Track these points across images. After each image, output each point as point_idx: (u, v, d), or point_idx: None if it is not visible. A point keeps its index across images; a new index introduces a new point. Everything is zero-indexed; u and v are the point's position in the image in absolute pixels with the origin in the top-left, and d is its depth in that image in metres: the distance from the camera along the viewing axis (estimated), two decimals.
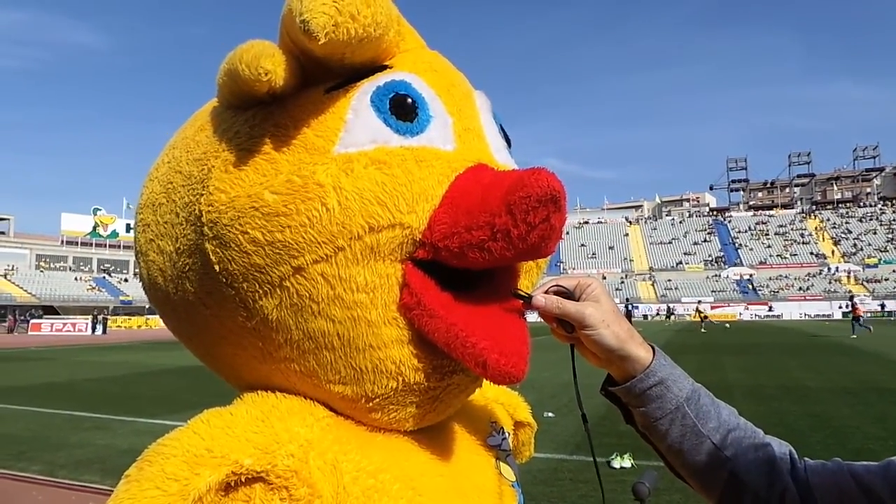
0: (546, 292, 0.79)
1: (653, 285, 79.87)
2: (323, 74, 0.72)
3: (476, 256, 0.69)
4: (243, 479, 0.64)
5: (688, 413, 0.78)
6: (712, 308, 66.42)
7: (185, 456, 0.63)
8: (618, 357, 0.77)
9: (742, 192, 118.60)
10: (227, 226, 0.69)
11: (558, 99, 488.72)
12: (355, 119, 0.72)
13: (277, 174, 0.69)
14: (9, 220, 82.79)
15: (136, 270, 0.89)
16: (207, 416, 0.70)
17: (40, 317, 50.04)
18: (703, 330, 35.75)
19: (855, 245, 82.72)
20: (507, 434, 1.04)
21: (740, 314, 63.59)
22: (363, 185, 0.69)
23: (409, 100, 0.75)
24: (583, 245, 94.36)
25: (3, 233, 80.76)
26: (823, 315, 63.60)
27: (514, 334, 0.73)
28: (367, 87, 0.73)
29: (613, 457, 6.33)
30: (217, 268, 0.71)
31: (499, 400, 1.10)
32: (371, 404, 0.75)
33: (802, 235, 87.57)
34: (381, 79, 0.74)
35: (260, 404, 0.73)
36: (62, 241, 79.50)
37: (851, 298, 32.70)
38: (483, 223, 0.68)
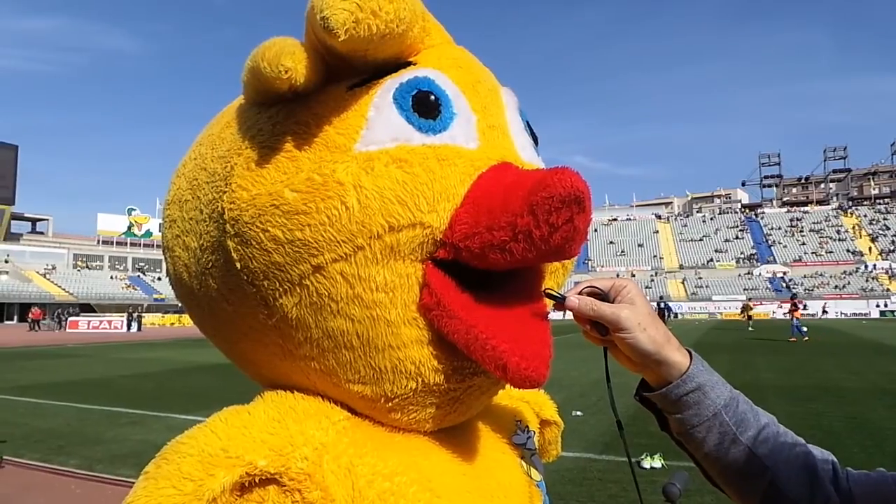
0: (580, 293, 0.77)
1: (683, 283, 78.67)
2: (347, 71, 0.72)
3: (497, 257, 0.68)
4: (257, 481, 0.65)
5: (726, 420, 0.76)
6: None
7: (200, 455, 0.63)
8: (653, 362, 0.75)
9: (775, 188, 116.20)
10: (248, 223, 0.69)
11: (586, 97, 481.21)
12: (377, 116, 0.71)
13: (298, 172, 0.69)
14: (47, 220, 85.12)
15: None
16: (226, 414, 0.70)
17: (77, 315, 51.28)
18: (750, 328, 33.02)
19: (893, 242, 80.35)
20: (532, 433, 1.02)
21: (773, 312, 62.25)
22: (384, 183, 0.68)
23: (433, 97, 0.73)
24: (611, 243, 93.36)
25: (42, 233, 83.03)
26: (860, 314, 62.01)
27: (536, 337, 0.72)
28: (390, 83, 0.73)
29: (644, 457, 6.25)
30: (238, 265, 0.71)
31: (524, 398, 1.09)
32: (391, 404, 0.75)
33: (838, 232, 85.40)
34: (404, 75, 0.73)
35: (278, 404, 0.73)
36: (98, 241, 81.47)
37: (793, 297, 29.34)
38: (504, 224, 0.67)
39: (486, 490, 0.81)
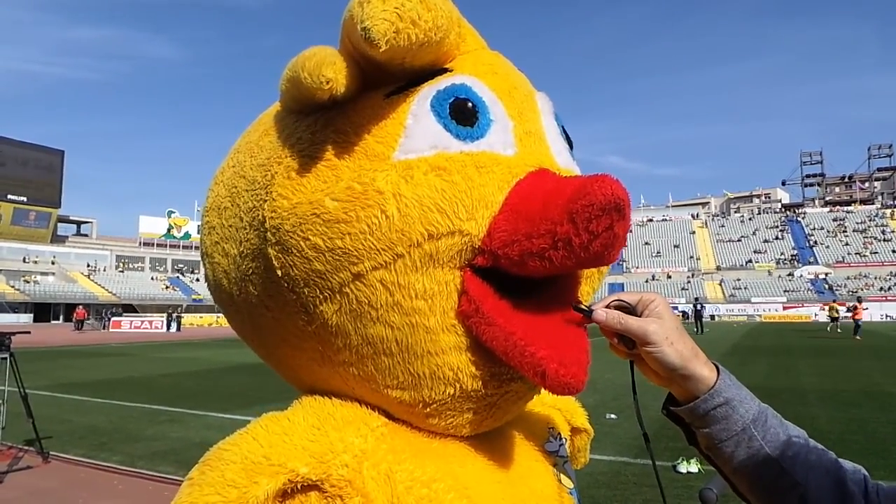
0: (607, 307, 0.77)
1: (720, 285, 77.04)
2: (383, 78, 0.72)
3: (536, 265, 0.68)
4: (299, 487, 0.66)
5: (754, 435, 0.75)
6: (785, 308, 63.46)
7: (243, 463, 0.65)
8: (680, 376, 0.75)
9: (817, 188, 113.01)
10: (290, 232, 0.71)
11: (622, 96, 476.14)
12: (415, 125, 0.72)
13: (338, 181, 0.70)
14: (91, 222, 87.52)
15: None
16: (266, 421, 0.71)
17: (120, 315, 52.58)
18: (839, 330, 31.34)
19: None
20: (564, 440, 1.02)
21: (815, 315, 60.50)
22: (423, 192, 0.68)
23: (470, 104, 0.74)
24: (647, 243, 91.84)
25: (86, 235, 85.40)
26: None
27: (574, 343, 0.71)
28: (428, 91, 0.73)
29: (680, 461, 6.15)
30: (279, 273, 0.73)
31: (556, 405, 1.09)
32: (428, 409, 0.75)
33: (884, 232, 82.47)
34: (441, 82, 0.74)
35: (317, 411, 0.74)
36: (140, 243, 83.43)
37: (860, 300, 30.90)
38: (544, 231, 0.67)
39: (520, 497, 0.81)
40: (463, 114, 0.73)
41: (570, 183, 0.70)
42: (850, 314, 29.69)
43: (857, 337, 26.55)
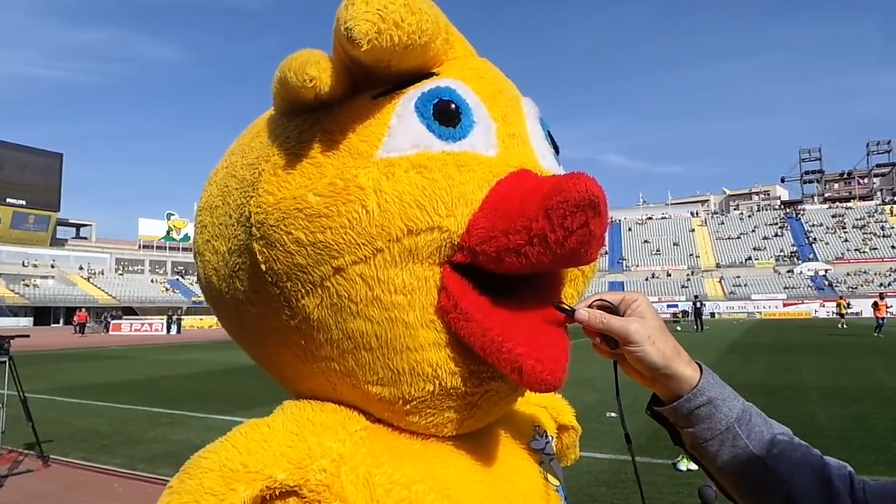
0: (590, 306, 0.77)
1: (720, 282, 77.11)
2: (372, 82, 0.74)
3: (513, 261, 0.69)
4: (277, 493, 0.67)
5: (739, 434, 0.75)
6: (785, 305, 63.51)
7: (221, 470, 0.66)
8: (662, 375, 0.75)
9: (816, 184, 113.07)
10: (273, 226, 0.72)
11: (622, 95, 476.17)
12: (399, 124, 0.73)
13: (322, 177, 0.71)
14: (91, 225, 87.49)
15: None
16: (246, 427, 0.72)
17: (120, 317, 52.57)
18: (845, 326, 31.87)
19: None
20: (550, 438, 1.03)
21: (815, 311, 60.57)
22: (403, 188, 0.69)
23: (453, 105, 0.75)
24: (646, 241, 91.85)
25: (85, 238, 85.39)
26: None
27: (553, 341, 0.72)
28: (413, 93, 0.75)
29: (680, 459, 6.15)
30: (263, 267, 0.74)
31: (542, 403, 1.09)
32: (408, 407, 0.76)
33: (883, 228, 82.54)
34: (426, 85, 0.76)
35: (296, 416, 0.75)
36: (139, 246, 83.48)
37: (881, 297, 30.33)
38: (520, 227, 0.67)
39: (504, 496, 0.81)
40: (446, 115, 0.75)
41: (547, 181, 0.71)
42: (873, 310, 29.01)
43: (881, 335, 25.97)
